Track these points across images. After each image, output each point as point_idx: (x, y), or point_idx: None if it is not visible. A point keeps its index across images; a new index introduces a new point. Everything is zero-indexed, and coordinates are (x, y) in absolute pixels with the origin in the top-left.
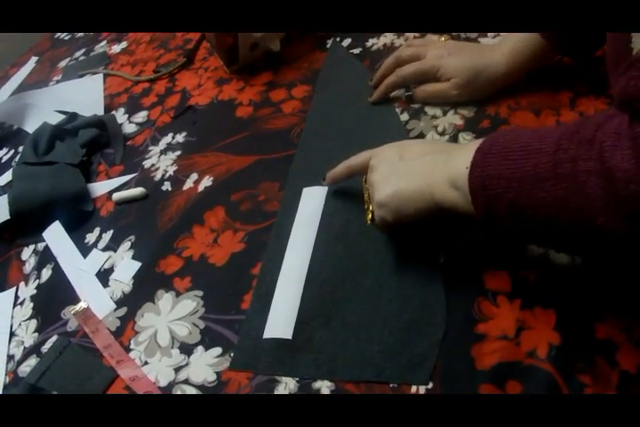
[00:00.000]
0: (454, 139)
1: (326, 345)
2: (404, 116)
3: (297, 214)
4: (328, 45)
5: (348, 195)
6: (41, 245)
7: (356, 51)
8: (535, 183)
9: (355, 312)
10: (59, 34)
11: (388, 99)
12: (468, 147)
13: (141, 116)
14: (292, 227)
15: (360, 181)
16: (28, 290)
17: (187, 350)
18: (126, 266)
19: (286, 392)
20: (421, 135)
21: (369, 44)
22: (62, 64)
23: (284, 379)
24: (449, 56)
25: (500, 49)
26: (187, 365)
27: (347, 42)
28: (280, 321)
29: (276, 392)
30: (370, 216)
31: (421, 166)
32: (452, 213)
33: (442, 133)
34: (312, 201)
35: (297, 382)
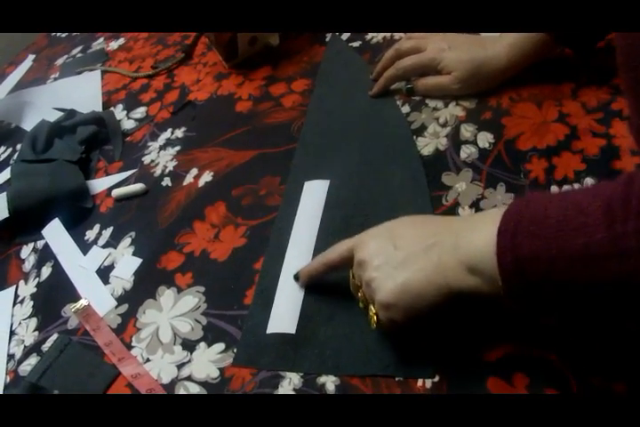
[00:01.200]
0: (456, 130)
1: (330, 340)
2: (405, 109)
3: (299, 208)
4: (327, 39)
5: (350, 187)
6: (40, 243)
7: (356, 44)
8: (592, 262)
9: (358, 306)
10: None
11: (388, 92)
12: (481, 224)
13: (140, 112)
14: (293, 221)
15: (347, 277)
16: (27, 288)
17: (189, 346)
18: (127, 263)
19: (290, 388)
20: (423, 127)
21: (368, 37)
22: (60, 62)
23: (289, 374)
24: (449, 49)
25: (500, 42)
26: (189, 361)
27: (346, 35)
28: (283, 316)
29: (280, 388)
30: (374, 319)
31: (426, 254)
32: (474, 298)
33: (444, 125)
34: (314, 195)
35: (301, 377)
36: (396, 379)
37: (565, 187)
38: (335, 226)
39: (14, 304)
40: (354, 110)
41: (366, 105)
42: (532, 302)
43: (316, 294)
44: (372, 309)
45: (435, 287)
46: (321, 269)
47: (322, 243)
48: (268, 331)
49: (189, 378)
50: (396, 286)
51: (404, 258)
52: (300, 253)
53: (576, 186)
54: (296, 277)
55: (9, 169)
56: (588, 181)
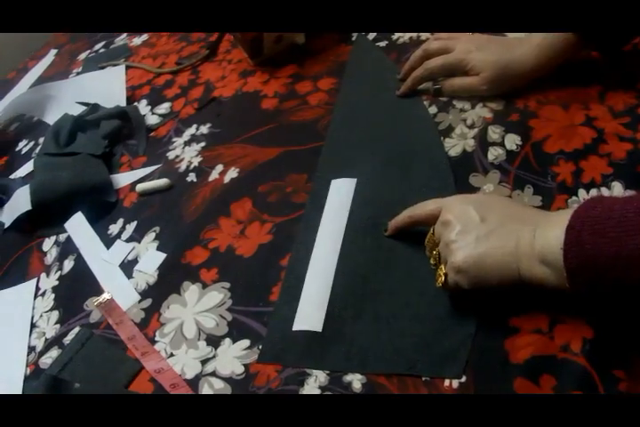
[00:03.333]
0: (484, 132)
1: (357, 338)
2: (433, 109)
3: (326, 206)
4: (353, 38)
5: (378, 186)
6: (63, 236)
7: (382, 44)
8: None
9: (386, 304)
10: None
11: (415, 92)
12: (556, 220)
13: (164, 108)
14: (320, 219)
15: (425, 232)
16: (49, 281)
17: (214, 342)
18: (151, 257)
19: (316, 385)
20: (450, 128)
21: (395, 37)
22: (82, 56)
23: (314, 372)
24: (477, 50)
25: (528, 43)
26: (214, 357)
27: (372, 35)
28: (310, 313)
29: (305, 385)
30: (442, 279)
31: (508, 236)
32: (539, 288)
33: (471, 126)
34: (341, 193)
35: (327, 375)
36: (423, 379)
37: (592, 191)
38: (362, 225)
39: (35, 297)
40: (381, 110)
41: (393, 105)
42: (595, 293)
43: (343, 291)
44: (443, 268)
45: (507, 268)
46: (407, 221)
47: (349, 241)
48: (294, 328)
49: (214, 374)
50: (472, 254)
51: (488, 232)
52: (326, 250)
53: (603, 190)
54: (384, 230)
55: (32, 162)
56: (615, 184)
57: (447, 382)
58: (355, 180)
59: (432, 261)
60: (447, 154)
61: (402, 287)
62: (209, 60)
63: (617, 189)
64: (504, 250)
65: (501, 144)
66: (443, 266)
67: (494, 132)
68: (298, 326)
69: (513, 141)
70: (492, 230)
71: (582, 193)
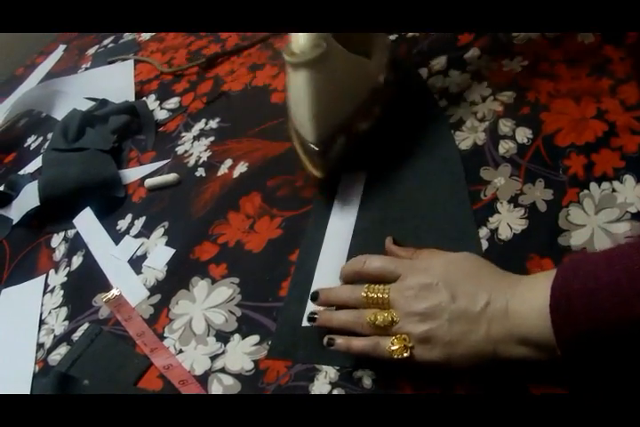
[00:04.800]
0: (495, 125)
1: None
2: (443, 102)
3: (335, 200)
4: None
5: (388, 181)
6: (71, 232)
7: (392, 37)
8: None
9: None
10: None
11: (426, 85)
12: (528, 297)
13: (173, 103)
14: (330, 213)
15: (367, 293)
16: (58, 277)
17: (223, 337)
18: (160, 253)
19: (327, 381)
20: (461, 121)
21: None
22: (91, 51)
23: (324, 368)
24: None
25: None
26: (223, 353)
27: None
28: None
29: (315, 381)
30: (400, 348)
31: (479, 317)
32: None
33: (481, 120)
34: (351, 186)
35: (337, 370)
36: None
37: (604, 184)
38: (373, 218)
39: (44, 293)
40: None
41: (403, 98)
42: (594, 366)
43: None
44: (403, 339)
45: (481, 353)
46: (351, 277)
47: (358, 236)
48: (304, 324)
49: (223, 370)
50: (445, 336)
51: (459, 314)
52: (336, 245)
53: (615, 183)
54: (313, 299)
55: (40, 158)
56: (627, 178)
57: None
58: (364, 173)
59: (375, 319)
60: (458, 147)
61: None
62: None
63: (629, 183)
64: (477, 336)
65: (512, 137)
66: (403, 337)
67: (505, 126)
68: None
69: (524, 135)
70: (463, 311)
71: (594, 187)
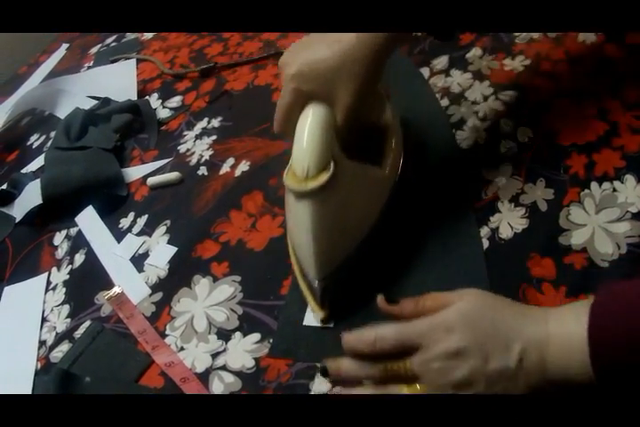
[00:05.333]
0: (496, 124)
1: None
2: (445, 102)
3: None
4: None
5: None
6: (73, 231)
7: None
8: None
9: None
10: None
11: (427, 84)
12: (560, 343)
13: (176, 101)
14: None
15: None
16: (60, 275)
17: (224, 335)
18: (162, 251)
19: (327, 379)
20: (462, 121)
21: None
22: (93, 50)
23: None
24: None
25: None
26: (224, 351)
27: None
28: None
29: (316, 379)
30: None
31: (516, 374)
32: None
33: (483, 119)
34: None
35: None
36: None
37: (605, 183)
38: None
39: (46, 291)
40: (394, 102)
41: (405, 98)
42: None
43: (354, 286)
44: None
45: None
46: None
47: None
48: (305, 323)
49: (224, 368)
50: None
51: (496, 376)
52: None
53: (616, 183)
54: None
55: (43, 156)
56: (628, 178)
57: None
58: None
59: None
60: (459, 146)
61: (414, 280)
62: (220, 54)
63: (630, 183)
64: (518, 389)
65: (514, 137)
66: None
67: (506, 125)
68: (309, 320)
69: (525, 134)
70: (499, 372)
71: (595, 186)
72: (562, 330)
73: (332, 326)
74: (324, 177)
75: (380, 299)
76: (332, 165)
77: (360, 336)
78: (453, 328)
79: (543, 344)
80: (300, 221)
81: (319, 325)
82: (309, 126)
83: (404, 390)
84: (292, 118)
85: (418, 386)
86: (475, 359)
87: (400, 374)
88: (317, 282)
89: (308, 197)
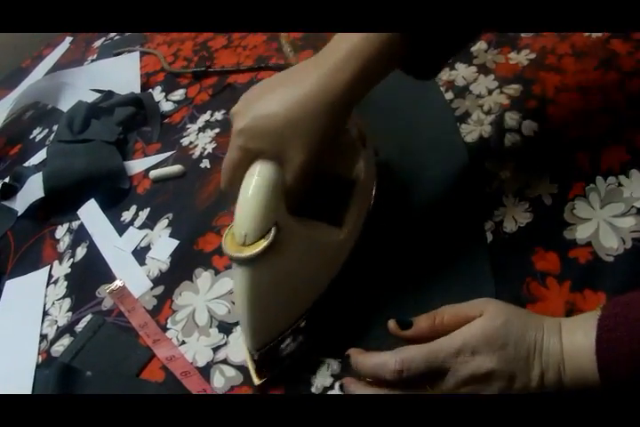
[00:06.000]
0: (501, 118)
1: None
2: (449, 95)
3: None
4: None
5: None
6: (75, 224)
7: None
8: None
9: (395, 294)
10: None
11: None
12: (575, 358)
13: (179, 95)
14: None
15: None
16: (62, 269)
17: (226, 329)
18: (163, 244)
19: (329, 373)
20: (467, 114)
21: None
22: (97, 44)
23: (327, 359)
24: None
25: None
26: (226, 344)
27: None
28: None
29: (318, 373)
30: None
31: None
32: None
33: (487, 113)
34: None
35: (339, 362)
36: None
37: (610, 178)
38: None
39: (48, 284)
40: (396, 97)
41: (409, 90)
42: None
43: (354, 277)
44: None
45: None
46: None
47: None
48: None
49: (225, 361)
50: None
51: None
52: None
53: (621, 177)
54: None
55: (45, 150)
56: (634, 172)
57: None
58: None
59: None
60: (464, 140)
61: (417, 274)
62: (224, 47)
63: (635, 177)
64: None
65: (518, 131)
66: None
67: (511, 119)
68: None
69: (530, 128)
70: (520, 391)
71: (600, 181)
72: (573, 343)
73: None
74: (262, 244)
75: (392, 324)
76: (272, 231)
77: (382, 362)
78: (479, 351)
79: (559, 359)
80: (236, 288)
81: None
82: (252, 188)
83: None
84: (238, 176)
85: None
86: (501, 381)
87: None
88: (254, 352)
89: (244, 265)
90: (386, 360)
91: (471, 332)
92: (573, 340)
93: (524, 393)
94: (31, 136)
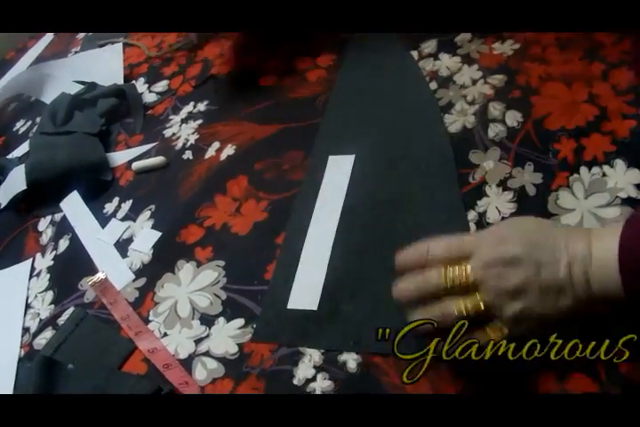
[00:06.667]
0: (484, 108)
1: (353, 316)
2: (433, 85)
3: (323, 183)
4: None
5: (375, 163)
6: (58, 216)
7: None
8: None
9: (382, 282)
10: None
11: (416, 67)
12: (603, 263)
13: (162, 86)
14: (317, 196)
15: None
16: (44, 261)
17: (208, 321)
18: (146, 236)
19: (311, 365)
20: (450, 104)
21: None
22: (81, 35)
23: (309, 351)
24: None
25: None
26: (207, 336)
27: None
28: (305, 291)
29: (300, 364)
30: (502, 333)
31: (564, 284)
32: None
33: (471, 103)
34: (338, 169)
35: (322, 354)
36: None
37: (595, 168)
38: (360, 202)
39: (30, 277)
40: (381, 86)
41: (394, 81)
42: None
43: (339, 269)
44: (500, 328)
45: (572, 317)
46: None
47: (346, 218)
48: (289, 306)
49: (207, 353)
50: (538, 310)
51: (548, 286)
52: (323, 228)
53: (605, 167)
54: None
55: (28, 142)
56: (618, 162)
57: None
58: (353, 156)
59: (459, 309)
60: (447, 130)
61: None
62: (208, 38)
63: (620, 168)
64: (567, 301)
65: (502, 121)
66: (499, 326)
67: (495, 109)
68: (293, 304)
69: (514, 118)
70: (549, 282)
71: (584, 171)
72: (601, 249)
73: (315, 309)
74: None
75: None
76: None
77: (414, 248)
78: (505, 238)
79: (587, 260)
80: None
81: (304, 308)
82: None
83: (462, 303)
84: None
85: (480, 295)
86: (528, 268)
87: (460, 281)
88: None
89: None
90: (418, 246)
91: (497, 225)
92: (603, 245)
93: (555, 287)
94: (14, 128)
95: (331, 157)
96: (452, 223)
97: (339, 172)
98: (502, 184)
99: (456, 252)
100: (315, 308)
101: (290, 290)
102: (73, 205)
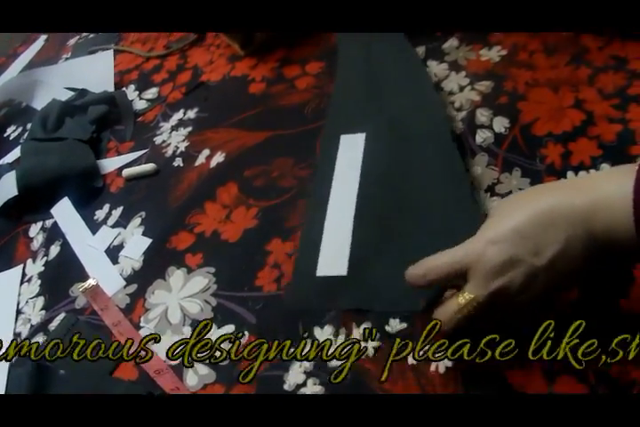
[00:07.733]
0: (472, 115)
1: (380, 278)
2: None
3: (337, 160)
4: None
5: (385, 140)
6: (49, 222)
7: None
8: None
9: (406, 246)
10: None
11: (418, 60)
12: (609, 209)
13: (152, 93)
14: (333, 171)
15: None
16: (35, 267)
17: None
18: (136, 242)
19: (301, 371)
20: None
21: None
22: (71, 42)
23: (297, 363)
24: None
25: None
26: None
27: None
28: (333, 259)
29: (290, 371)
30: None
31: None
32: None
33: (459, 109)
34: (351, 146)
35: (312, 361)
36: (409, 363)
37: (581, 173)
38: (375, 177)
39: (21, 283)
40: (381, 71)
41: (395, 66)
42: None
43: (364, 234)
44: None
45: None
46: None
47: (364, 189)
48: (319, 273)
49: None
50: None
51: (554, 261)
52: (343, 198)
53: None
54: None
55: (19, 148)
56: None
57: (433, 368)
58: (364, 134)
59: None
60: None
61: (419, 231)
62: (198, 45)
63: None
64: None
65: (490, 127)
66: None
67: (483, 115)
68: (322, 271)
69: (501, 124)
70: (555, 257)
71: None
72: (608, 195)
73: (345, 274)
74: None
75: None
76: None
77: (411, 270)
78: (497, 240)
79: (590, 214)
80: None
81: (333, 274)
82: None
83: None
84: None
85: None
86: (525, 262)
87: (467, 310)
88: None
89: None
90: (414, 267)
91: (489, 224)
92: (609, 190)
93: (574, 264)
94: (5, 134)
95: (343, 136)
96: (456, 189)
97: (352, 148)
98: (490, 190)
99: (453, 271)
100: (344, 273)
101: (317, 259)
102: (64, 212)
